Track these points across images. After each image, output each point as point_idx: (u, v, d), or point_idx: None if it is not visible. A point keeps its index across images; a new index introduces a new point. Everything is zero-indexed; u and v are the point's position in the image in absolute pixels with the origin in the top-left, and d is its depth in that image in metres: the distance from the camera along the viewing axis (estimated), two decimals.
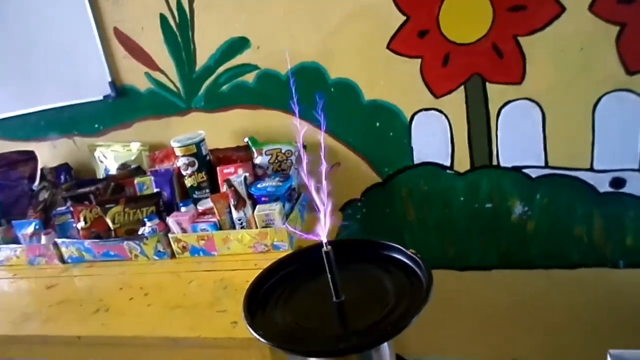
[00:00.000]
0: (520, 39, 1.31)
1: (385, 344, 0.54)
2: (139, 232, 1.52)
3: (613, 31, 1.24)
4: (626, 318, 1.55)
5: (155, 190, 1.57)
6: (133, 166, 1.69)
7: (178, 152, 1.52)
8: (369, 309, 0.53)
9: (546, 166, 1.43)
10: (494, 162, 1.47)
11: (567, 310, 1.60)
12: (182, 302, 1.32)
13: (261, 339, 0.48)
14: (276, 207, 1.43)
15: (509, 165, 1.46)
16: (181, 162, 1.53)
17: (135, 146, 1.71)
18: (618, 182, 1.40)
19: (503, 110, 1.40)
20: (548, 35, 1.29)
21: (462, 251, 1.61)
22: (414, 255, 0.56)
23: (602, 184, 1.41)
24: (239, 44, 1.54)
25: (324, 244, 0.51)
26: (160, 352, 1.37)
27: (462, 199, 1.53)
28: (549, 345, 1.66)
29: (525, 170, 1.45)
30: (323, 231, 0.51)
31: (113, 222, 1.55)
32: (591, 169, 1.40)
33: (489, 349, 1.74)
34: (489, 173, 1.48)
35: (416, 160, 1.52)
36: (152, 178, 1.56)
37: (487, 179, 1.49)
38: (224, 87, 1.57)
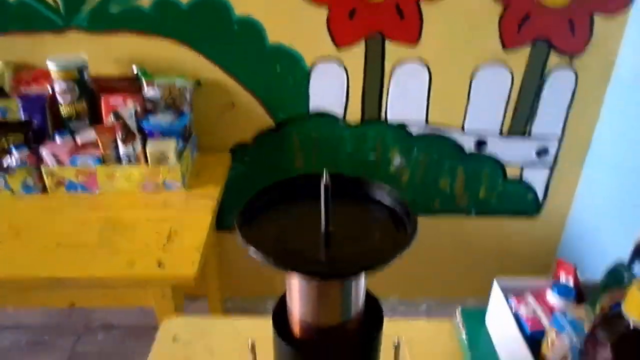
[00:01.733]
0: (421, 3, 1.40)
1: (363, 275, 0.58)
2: (3, 164, 1.33)
3: (498, 10, 1.41)
4: (474, 258, 1.83)
5: (23, 116, 1.37)
6: None
7: (56, 75, 1.34)
8: (356, 241, 0.57)
9: (426, 124, 1.59)
10: (382, 117, 1.58)
11: (427, 252, 1.83)
12: (65, 242, 1.21)
13: (262, 258, 0.49)
14: (171, 143, 1.37)
15: (395, 120, 1.58)
16: (59, 87, 1.36)
17: None
18: (481, 144, 1.62)
19: (397, 69, 1.50)
20: (445, 4, 1.40)
21: None
22: (397, 196, 0.61)
23: (469, 144, 1.62)
24: None
25: (325, 177, 0.53)
26: (41, 294, 1.25)
27: (349, 149, 1.63)
28: (407, 282, 1.89)
29: (408, 127, 1.59)
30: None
31: None
32: (462, 130, 1.59)
33: None
34: (376, 126, 1.59)
35: (312, 109, 1.57)
36: (20, 103, 1.36)
37: (374, 132, 1.60)
38: (114, 8, 1.41)
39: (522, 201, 1.71)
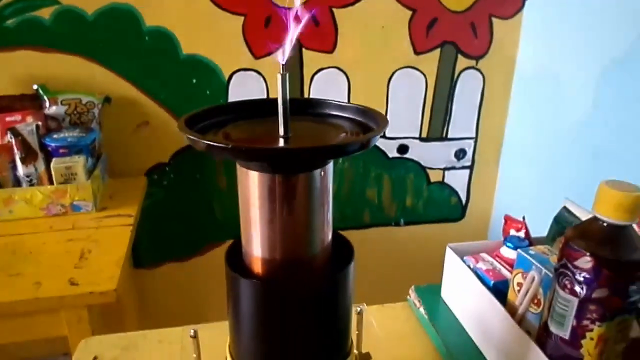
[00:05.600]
0: (335, 10, 1.43)
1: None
2: None
3: (407, 15, 1.47)
4: (408, 269, 1.81)
5: None
6: None
7: None
8: (321, 139, 0.51)
9: None
10: None
11: (359, 268, 1.77)
12: None
13: (212, 142, 0.42)
14: (80, 159, 1.23)
15: None
16: None
17: None
18: (403, 149, 1.64)
19: (315, 77, 1.50)
20: (357, 10, 1.44)
21: None
22: (359, 106, 0.56)
23: (391, 150, 1.63)
24: None
25: (282, 67, 0.47)
26: None
27: None
28: None
29: None
30: (284, 53, 0.47)
31: None
32: (384, 136, 1.61)
33: None
34: None
35: None
36: None
37: None
38: (10, 22, 1.28)
39: (446, 206, 1.73)
